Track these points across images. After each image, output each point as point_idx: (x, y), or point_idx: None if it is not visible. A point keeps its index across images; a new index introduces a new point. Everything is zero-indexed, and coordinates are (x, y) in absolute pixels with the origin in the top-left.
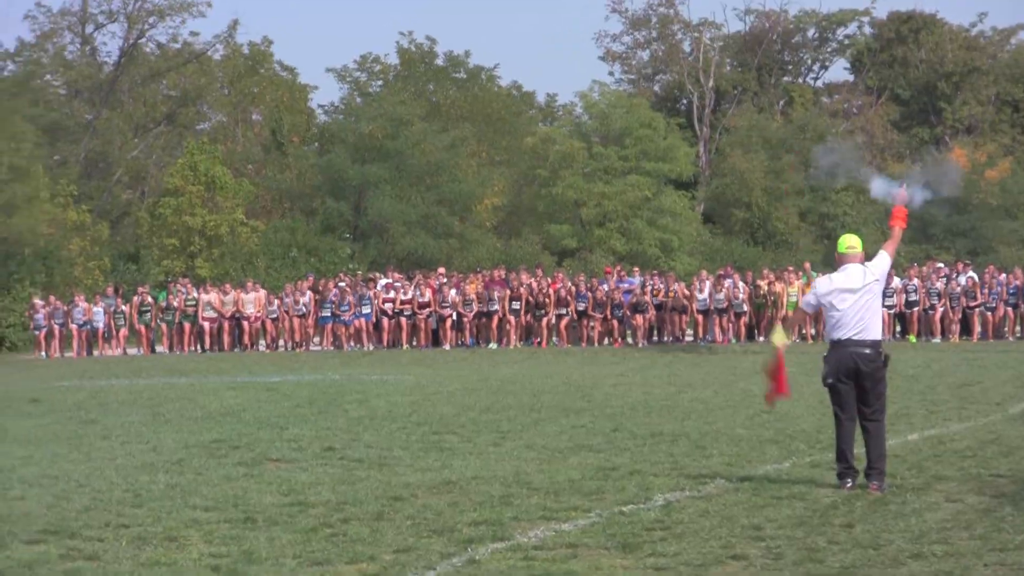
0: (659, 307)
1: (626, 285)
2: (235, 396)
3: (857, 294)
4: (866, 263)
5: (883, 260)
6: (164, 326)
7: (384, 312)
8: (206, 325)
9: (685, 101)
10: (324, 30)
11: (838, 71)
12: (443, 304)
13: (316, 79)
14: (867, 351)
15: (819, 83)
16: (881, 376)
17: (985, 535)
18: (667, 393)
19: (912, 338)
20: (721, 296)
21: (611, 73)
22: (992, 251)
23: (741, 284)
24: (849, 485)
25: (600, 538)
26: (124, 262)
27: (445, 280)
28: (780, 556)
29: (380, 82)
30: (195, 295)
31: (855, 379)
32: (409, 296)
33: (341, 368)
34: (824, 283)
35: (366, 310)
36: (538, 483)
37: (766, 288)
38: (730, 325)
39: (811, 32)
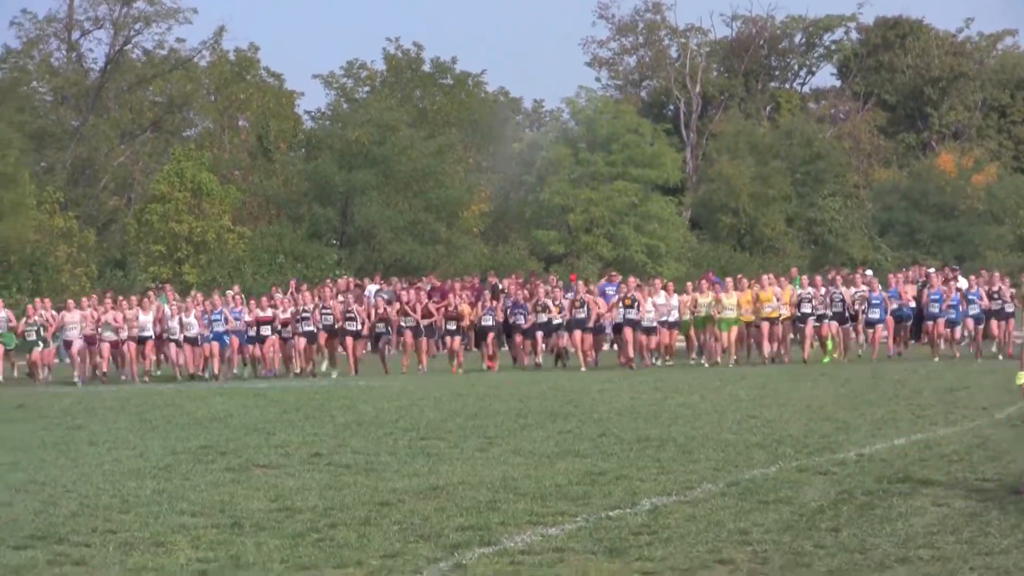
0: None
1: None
2: (222, 402)
3: None
4: None
5: None
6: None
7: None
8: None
9: (672, 107)
10: (311, 36)
11: (825, 77)
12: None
13: (303, 85)
14: None
15: (806, 89)
16: None
17: (972, 539)
18: (654, 399)
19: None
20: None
21: (598, 79)
22: (979, 256)
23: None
24: None
25: (587, 543)
26: (111, 268)
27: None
28: (767, 560)
29: (367, 88)
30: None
31: None
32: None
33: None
34: None
35: (218, 328)
36: (525, 488)
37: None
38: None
39: (798, 38)
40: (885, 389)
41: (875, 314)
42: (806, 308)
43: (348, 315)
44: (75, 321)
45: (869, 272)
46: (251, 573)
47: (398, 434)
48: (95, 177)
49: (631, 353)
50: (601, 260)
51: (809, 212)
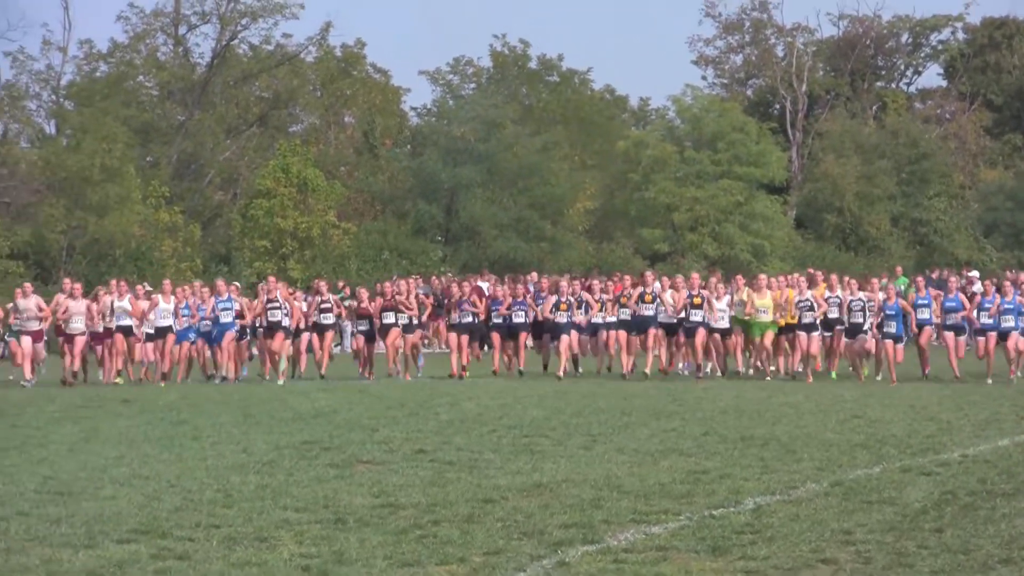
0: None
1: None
2: (326, 398)
3: None
4: None
5: None
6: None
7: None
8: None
9: (778, 106)
10: (417, 33)
11: (931, 77)
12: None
13: (409, 82)
14: None
15: (912, 88)
16: None
17: None
18: (758, 397)
19: None
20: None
21: (704, 77)
22: None
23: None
24: None
25: (690, 541)
26: (216, 263)
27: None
28: (870, 560)
29: (473, 85)
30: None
31: None
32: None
33: None
34: None
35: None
36: (628, 486)
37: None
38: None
39: (904, 37)
40: (989, 390)
41: (891, 327)
42: (807, 318)
43: (324, 306)
44: (80, 312)
45: (974, 272)
46: (354, 569)
47: (502, 431)
48: (200, 172)
49: (700, 358)
50: (706, 259)
51: (914, 212)
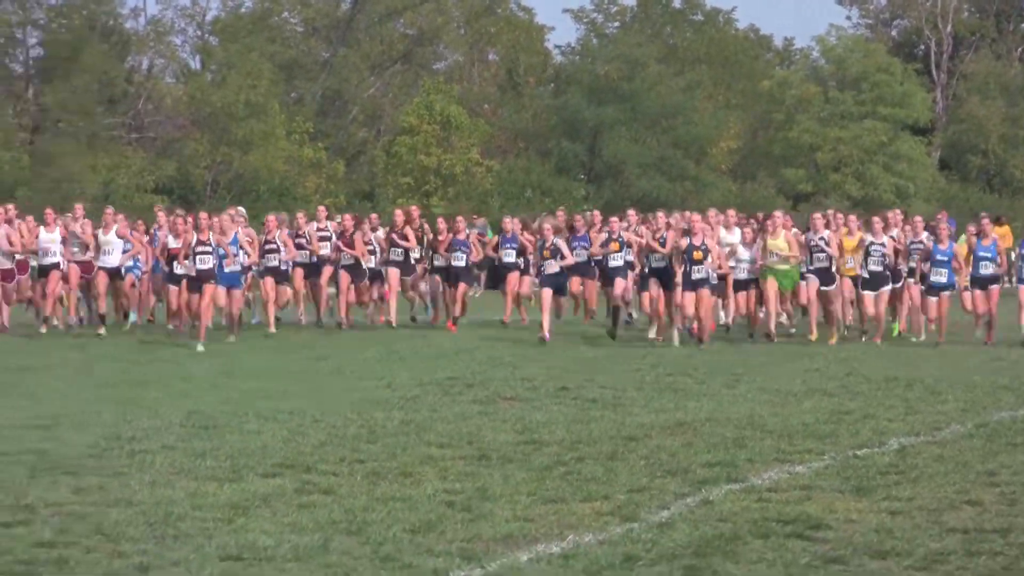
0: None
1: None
2: (469, 335)
3: None
4: None
5: None
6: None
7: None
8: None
9: (922, 47)
10: None
11: None
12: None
13: (553, 20)
14: None
15: None
16: None
17: None
18: (901, 338)
19: None
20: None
21: (848, 18)
22: None
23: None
24: None
25: (834, 481)
26: (359, 200)
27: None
28: (1015, 502)
29: (617, 24)
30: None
31: None
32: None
33: None
34: None
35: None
36: (772, 426)
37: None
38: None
39: None
40: None
41: (940, 276)
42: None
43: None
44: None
45: None
46: (498, 505)
47: (645, 370)
48: (344, 109)
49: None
50: (849, 199)
51: None
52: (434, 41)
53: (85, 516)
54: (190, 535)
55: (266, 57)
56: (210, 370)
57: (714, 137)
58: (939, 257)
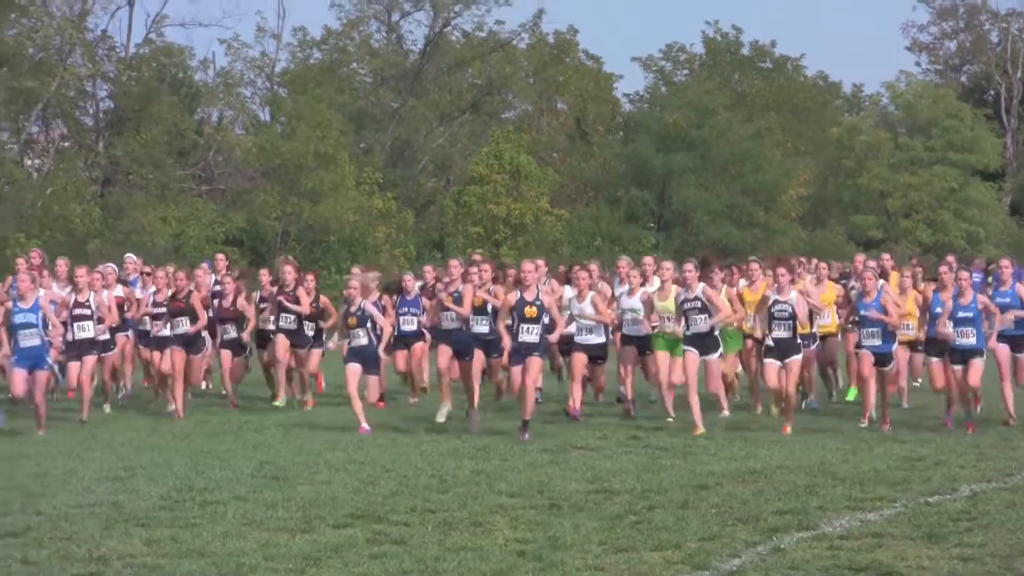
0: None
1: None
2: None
3: None
4: None
5: None
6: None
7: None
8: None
9: (992, 92)
10: (629, 19)
11: None
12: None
13: (621, 68)
14: None
15: None
16: None
17: None
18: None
19: None
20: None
21: (917, 63)
22: None
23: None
24: None
25: (906, 528)
26: (429, 250)
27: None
28: None
29: (685, 71)
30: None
31: None
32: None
33: None
34: None
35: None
36: (843, 473)
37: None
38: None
39: None
40: None
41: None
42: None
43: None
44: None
45: None
46: (569, 554)
47: (715, 418)
48: (414, 158)
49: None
50: (920, 245)
51: None
52: (503, 90)
53: (157, 568)
54: None
55: (335, 108)
56: (284, 422)
57: (783, 184)
58: (961, 315)
